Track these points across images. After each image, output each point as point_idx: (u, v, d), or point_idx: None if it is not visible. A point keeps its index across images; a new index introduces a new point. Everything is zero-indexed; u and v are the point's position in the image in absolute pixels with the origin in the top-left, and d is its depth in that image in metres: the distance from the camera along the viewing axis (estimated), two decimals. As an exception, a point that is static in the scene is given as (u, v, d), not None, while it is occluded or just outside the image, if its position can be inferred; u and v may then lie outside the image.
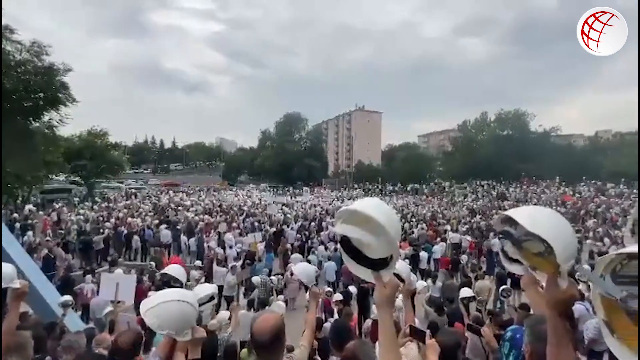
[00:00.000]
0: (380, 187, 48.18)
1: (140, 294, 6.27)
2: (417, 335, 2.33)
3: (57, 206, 21.59)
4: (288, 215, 21.37)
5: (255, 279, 9.14)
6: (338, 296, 6.96)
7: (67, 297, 5.05)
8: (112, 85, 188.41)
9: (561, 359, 1.09)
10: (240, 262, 11.75)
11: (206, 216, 19.29)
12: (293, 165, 55.81)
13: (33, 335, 2.62)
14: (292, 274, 8.67)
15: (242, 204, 27.07)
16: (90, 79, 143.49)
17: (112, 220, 17.41)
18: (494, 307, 7.75)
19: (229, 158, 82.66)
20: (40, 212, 19.89)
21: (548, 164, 40.06)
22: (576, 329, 4.14)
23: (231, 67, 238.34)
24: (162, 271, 4.70)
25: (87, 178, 32.17)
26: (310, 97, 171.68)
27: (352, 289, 7.88)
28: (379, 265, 1.42)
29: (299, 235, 16.30)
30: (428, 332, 2.38)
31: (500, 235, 1.45)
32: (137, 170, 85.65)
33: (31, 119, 21.35)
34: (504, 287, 6.73)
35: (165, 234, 14.95)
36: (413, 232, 17.08)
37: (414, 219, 21.38)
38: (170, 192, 36.64)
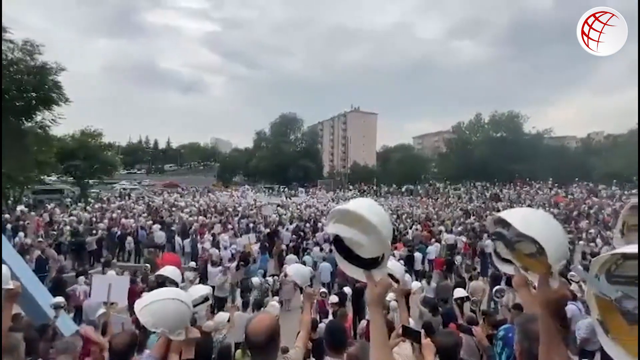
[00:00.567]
0: (375, 188, 48.33)
1: (133, 295, 6.23)
2: (410, 335, 2.34)
3: (49, 207, 21.37)
4: (283, 216, 21.34)
5: (255, 280, 9.13)
6: (334, 298, 6.97)
7: (59, 299, 5.01)
8: (106, 84, 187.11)
9: (553, 358, 1.11)
10: (234, 264, 11.72)
11: (201, 217, 19.21)
12: (288, 166, 55.72)
13: (25, 337, 2.60)
14: (286, 275, 8.67)
15: (236, 205, 26.99)
16: (83, 78, 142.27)
17: (106, 221, 17.27)
18: (487, 308, 7.81)
19: (223, 159, 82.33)
20: (32, 213, 19.67)
21: (541, 166, 40.47)
22: (569, 329, 4.19)
23: (226, 67, 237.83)
24: (157, 272, 4.68)
25: (80, 178, 31.87)
26: (305, 98, 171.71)
27: (347, 290, 7.88)
28: (370, 264, 1.43)
29: (294, 236, 16.27)
30: (423, 332, 2.39)
31: (493, 237, 1.47)
32: (130, 171, 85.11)
33: (23, 118, 21.11)
34: (497, 287, 6.79)
35: (160, 235, 14.84)
36: (408, 233, 17.14)
37: (408, 220, 21.46)
38: (165, 193, 36.43)
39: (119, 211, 21.14)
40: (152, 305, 2.03)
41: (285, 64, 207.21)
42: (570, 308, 5.58)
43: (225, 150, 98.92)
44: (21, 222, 16.43)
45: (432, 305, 6.28)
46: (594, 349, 4.93)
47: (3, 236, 5.96)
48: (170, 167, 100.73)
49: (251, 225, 18.66)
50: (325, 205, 29.27)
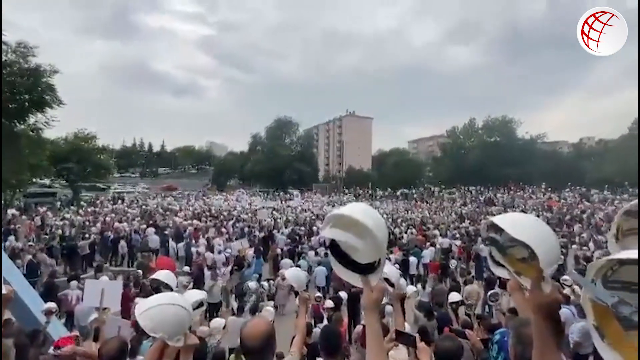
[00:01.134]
0: (370, 192, 48.43)
1: (126, 300, 6.15)
2: (404, 340, 2.33)
3: (41, 210, 21.10)
4: (278, 220, 21.27)
5: (252, 285, 9.08)
6: (329, 303, 6.94)
7: (51, 305, 4.94)
8: (101, 87, 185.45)
9: None
10: (228, 268, 11.64)
11: (195, 221, 19.09)
12: (284, 169, 55.66)
13: (15, 344, 2.55)
14: (283, 278, 8.64)
15: (231, 209, 26.88)
16: (78, 80, 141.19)
17: (99, 224, 17.09)
18: (482, 312, 7.83)
19: (218, 162, 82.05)
20: (24, 217, 19.42)
21: (534, 170, 40.88)
22: (563, 333, 4.20)
23: (221, 70, 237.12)
24: (152, 277, 4.63)
25: (73, 182, 31.56)
26: (301, 102, 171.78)
27: (343, 294, 7.87)
28: (366, 269, 1.44)
29: (289, 240, 16.22)
30: (417, 336, 2.39)
31: (487, 242, 1.48)
32: (124, 174, 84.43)
33: (16, 121, 20.89)
34: (492, 291, 6.81)
35: (154, 239, 14.72)
36: (403, 237, 17.16)
37: (404, 224, 21.51)
38: (159, 196, 36.18)
39: (113, 215, 20.95)
40: (153, 310, 2.02)
41: (280, 68, 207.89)
42: (564, 312, 5.62)
43: (221, 154, 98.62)
44: (12, 226, 16.21)
45: (427, 310, 6.29)
46: (587, 353, 4.96)
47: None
48: (165, 170, 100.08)
49: (246, 229, 18.58)
50: (320, 209, 29.24)
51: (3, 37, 19.18)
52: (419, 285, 9.32)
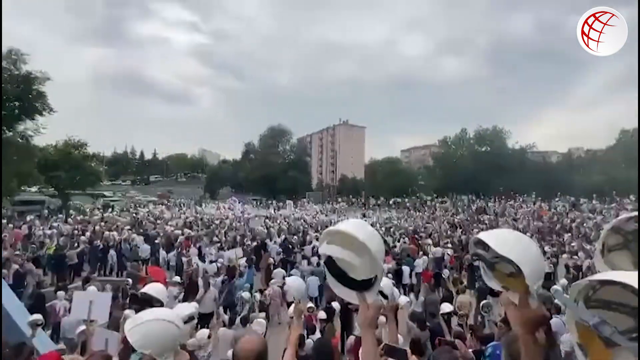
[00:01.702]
0: (363, 200, 48.52)
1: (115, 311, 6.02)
2: (395, 354, 2.30)
3: (28, 219, 20.70)
4: (271, 229, 21.15)
5: (245, 295, 8.96)
6: (322, 314, 6.88)
7: (37, 316, 4.83)
8: (93, 94, 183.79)
9: None
10: (220, 278, 11.48)
11: (187, 230, 18.89)
12: (277, 178, 55.62)
13: (-1, 358, 2.48)
14: (282, 286, 8.54)
15: (223, 217, 26.67)
16: (70, 87, 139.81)
17: (88, 233, 16.80)
18: (475, 322, 7.83)
19: (211, 170, 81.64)
20: (10, 225, 19.01)
21: (524, 179, 41.41)
22: (555, 344, 4.22)
23: (215, 79, 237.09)
24: (142, 290, 4.54)
25: (62, 190, 31.06)
26: (294, 111, 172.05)
27: (336, 304, 7.80)
28: (363, 286, 1.44)
29: (281, 250, 16.10)
30: (408, 350, 2.38)
31: (474, 257, 1.50)
32: (115, 182, 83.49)
33: (5, 128, 20.62)
34: (484, 302, 6.83)
35: (144, 248, 14.50)
36: (396, 246, 17.17)
37: (396, 233, 21.53)
38: (150, 205, 35.77)
39: (102, 223, 20.62)
40: (143, 325, 1.99)
41: (274, 77, 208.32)
42: (555, 321, 5.64)
43: (213, 162, 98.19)
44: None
45: (420, 320, 6.27)
46: (579, 363, 4.98)
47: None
48: (156, 177, 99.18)
49: (238, 238, 18.42)
50: (313, 217, 29.16)
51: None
52: (412, 295, 9.30)
